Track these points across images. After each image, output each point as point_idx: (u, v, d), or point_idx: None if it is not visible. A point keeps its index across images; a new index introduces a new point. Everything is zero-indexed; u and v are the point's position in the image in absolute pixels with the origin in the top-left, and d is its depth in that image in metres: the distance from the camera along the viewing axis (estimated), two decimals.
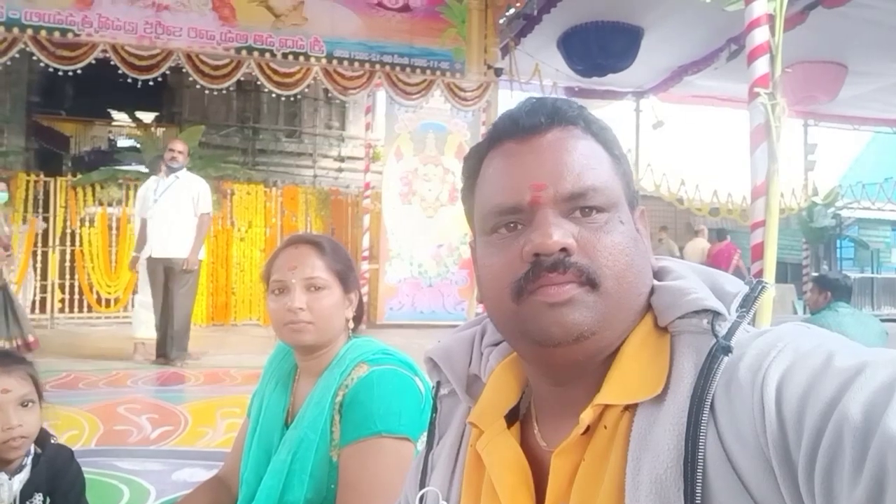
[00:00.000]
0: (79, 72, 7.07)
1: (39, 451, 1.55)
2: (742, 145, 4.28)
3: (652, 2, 7.72)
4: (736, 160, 8.46)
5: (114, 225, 8.67)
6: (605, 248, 0.66)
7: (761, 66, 3.84)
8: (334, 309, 1.44)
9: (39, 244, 8.36)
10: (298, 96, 8.87)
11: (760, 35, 3.85)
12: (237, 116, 10.93)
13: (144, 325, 5.65)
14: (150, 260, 5.55)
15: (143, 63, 7.12)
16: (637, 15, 8.20)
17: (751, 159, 3.97)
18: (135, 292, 6.00)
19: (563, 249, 0.64)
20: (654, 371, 0.64)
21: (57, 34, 6.83)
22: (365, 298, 8.25)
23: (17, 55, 6.82)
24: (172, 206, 5.55)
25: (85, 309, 8.49)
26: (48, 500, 1.54)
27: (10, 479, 1.47)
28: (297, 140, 11.03)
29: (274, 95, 8.05)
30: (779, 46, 3.84)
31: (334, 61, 7.61)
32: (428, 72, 7.85)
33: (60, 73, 7.09)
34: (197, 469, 2.77)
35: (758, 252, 3.97)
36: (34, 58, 6.93)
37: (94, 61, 6.97)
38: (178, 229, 5.54)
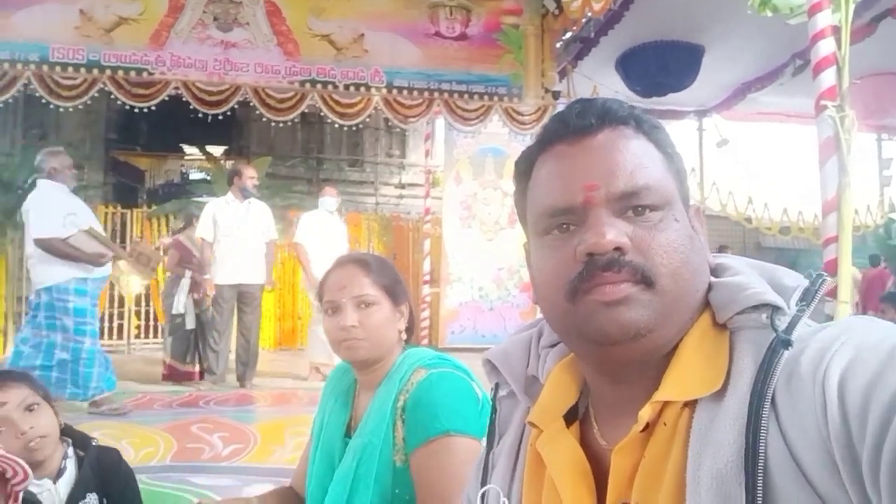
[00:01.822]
0: (153, 108, 7.44)
1: (81, 453, 1.61)
2: (811, 162, 4.16)
3: (712, 19, 7.61)
4: (805, 178, 8.20)
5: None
6: (660, 245, 0.66)
7: (827, 78, 3.74)
8: (385, 323, 1.49)
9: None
10: (360, 126, 9.08)
11: (826, 47, 3.75)
12: (302, 147, 11.26)
13: (321, 350, 5.75)
14: (219, 286, 5.70)
15: (213, 98, 7.42)
16: (697, 33, 8.09)
17: (820, 173, 3.86)
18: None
19: (618, 249, 0.65)
20: (713, 367, 0.64)
21: (133, 73, 7.21)
22: (426, 322, 8.36)
23: (96, 94, 7.23)
24: (245, 232, 5.71)
25: (160, 334, 8.81)
26: (104, 500, 1.60)
27: (54, 483, 1.53)
28: (359, 169, 11.29)
29: (337, 126, 8.27)
30: (845, 58, 3.74)
31: (394, 91, 7.76)
32: (486, 97, 7.93)
33: (136, 111, 7.47)
34: (266, 485, 2.82)
35: (831, 268, 3.84)
36: (112, 97, 7.32)
37: (167, 98, 7.31)
38: (250, 255, 5.71)
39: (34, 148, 9.00)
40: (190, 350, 5.89)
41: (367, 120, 8.86)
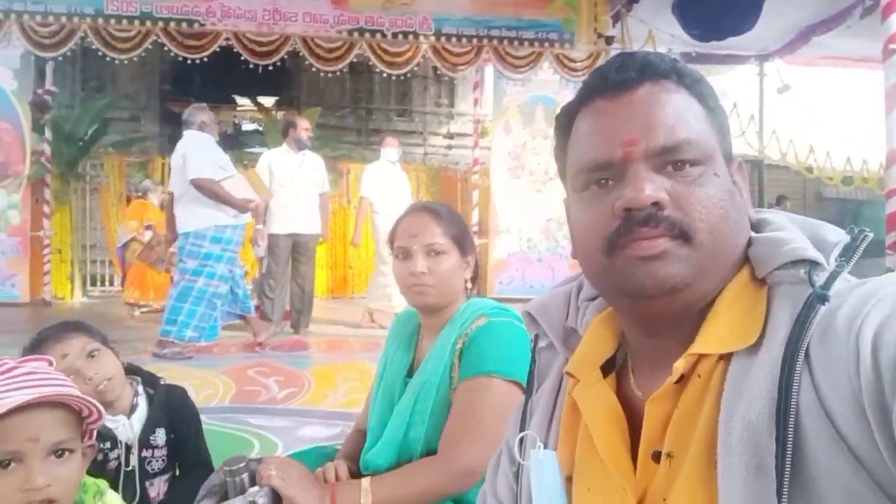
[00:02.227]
0: (205, 60, 7.53)
1: (151, 391, 1.70)
2: (877, 109, 3.98)
3: None
4: (870, 126, 7.83)
5: None
6: (699, 200, 0.66)
7: None
8: (453, 272, 1.54)
9: None
10: (408, 75, 9.02)
11: None
12: (351, 98, 11.27)
13: (381, 295, 5.99)
14: (274, 236, 5.81)
15: (263, 49, 7.46)
16: None
17: (886, 121, 3.71)
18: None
19: (656, 204, 0.65)
20: (749, 321, 0.64)
21: (184, 25, 7.28)
22: None
23: (150, 46, 7.34)
24: (300, 183, 5.80)
25: None
26: (172, 435, 1.70)
27: (128, 418, 1.63)
28: (407, 118, 11.26)
29: (385, 75, 8.23)
30: None
31: (442, 38, 7.66)
32: (536, 44, 7.76)
33: (189, 63, 7.58)
34: (319, 427, 2.97)
35: (894, 221, 3.71)
36: (165, 49, 7.43)
37: (218, 49, 7.39)
38: (304, 206, 5.82)
39: (93, 100, 9.26)
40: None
41: (416, 69, 8.78)
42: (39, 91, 7.83)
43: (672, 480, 0.64)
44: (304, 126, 6.02)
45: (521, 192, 8.37)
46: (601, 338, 0.79)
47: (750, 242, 0.69)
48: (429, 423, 1.44)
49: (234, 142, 11.40)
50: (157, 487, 1.67)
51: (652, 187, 0.66)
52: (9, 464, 0.94)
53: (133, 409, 1.65)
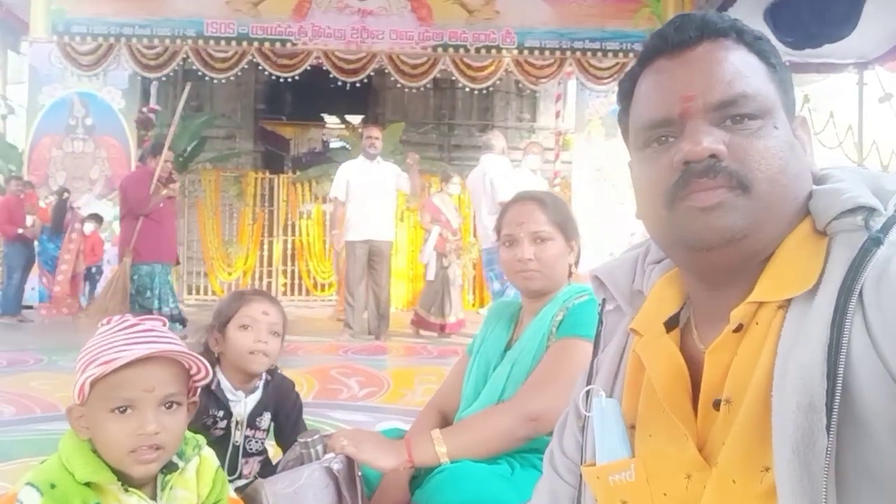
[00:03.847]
0: (296, 79, 7.85)
1: (269, 378, 1.79)
2: None
3: None
4: None
5: (327, 217, 9.52)
6: (758, 152, 0.66)
7: None
8: (558, 257, 1.60)
9: (265, 234, 9.41)
10: (491, 90, 9.11)
11: None
12: (434, 114, 11.46)
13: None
14: (350, 243, 5.97)
15: (351, 66, 7.73)
16: None
17: None
18: None
19: (714, 156, 0.66)
20: (807, 269, 0.65)
21: (278, 45, 7.64)
22: None
23: (245, 66, 7.73)
24: (372, 190, 5.93)
25: (304, 292, 9.42)
26: (274, 421, 1.79)
27: (245, 397, 1.72)
28: (489, 134, 11.35)
29: (468, 90, 8.34)
30: None
31: (525, 51, 7.72)
32: (620, 55, 7.69)
33: (281, 82, 7.94)
34: (397, 423, 2.98)
35: None
36: (259, 68, 7.81)
37: (308, 68, 7.70)
38: (378, 212, 5.95)
39: (192, 118, 9.81)
40: (436, 302, 6.33)
41: (498, 83, 8.85)
42: (144, 109, 8.39)
43: (730, 425, 0.65)
44: (368, 134, 6.17)
45: (604, 204, 8.26)
46: (665, 296, 0.80)
47: (811, 196, 0.69)
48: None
49: (322, 158, 11.79)
50: (251, 466, 1.75)
51: (710, 140, 0.67)
52: (125, 410, 1.03)
53: (253, 389, 1.74)
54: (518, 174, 6.28)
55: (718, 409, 0.67)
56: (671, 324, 0.78)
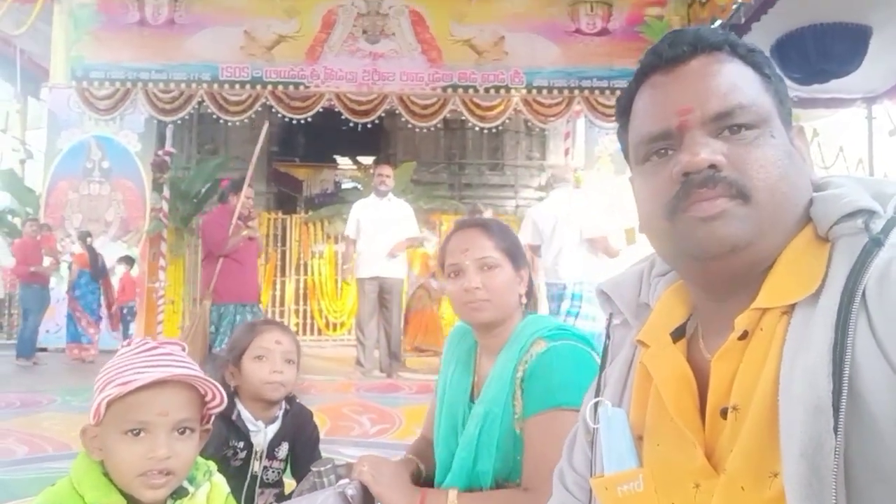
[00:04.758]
0: (309, 121, 7.97)
1: (289, 407, 1.78)
2: None
3: None
4: None
5: (339, 256, 9.56)
6: (756, 160, 0.67)
7: None
8: (508, 285, 1.49)
9: (278, 274, 9.45)
10: (500, 129, 9.20)
11: None
12: (444, 154, 11.58)
13: None
14: (360, 280, 5.98)
15: (362, 108, 7.84)
16: (862, 13, 7.40)
17: None
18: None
19: (713, 166, 0.67)
20: (811, 274, 0.65)
21: (291, 87, 7.78)
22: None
23: (259, 108, 7.88)
24: (383, 228, 5.95)
25: (316, 332, 9.41)
26: (291, 452, 1.77)
27: (265, 427, 1.71)
28: (499, 172, 11.43)
29: (477, 129, 8.44)
30: None
31: (533, 91, 7.81)
32: None
33: (294, 124, 8.06)
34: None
35: None
36: (273, 110, 7.95)
37: (321, 109, 7.82)
38: (388, 249, 5.94)
39: (206, 161, 9.96)
40: None
41: (508, 122, 8.95)
42: (160, 153, 8.52)
43: (737, 432, 0.65)
44: (379, 172, 6.21)
45: (615, 240, 8.24)
46: (671, 307, 0.80)
47: (812, 203, 0.70)
48: (496, 456, 1.40)
49: (335, 198, 11.92)
50: (266, 498, 1.73)
51: (708, 150, 0.67)
52: (139, 432, 1.03)
53: (273, 419, 1.73)
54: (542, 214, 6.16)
55: (726, 418, 0.67)
56: (678, 335, 0.78)
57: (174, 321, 8.92)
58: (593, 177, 8.51)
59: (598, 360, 1.40)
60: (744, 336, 0.67)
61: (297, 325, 9.47)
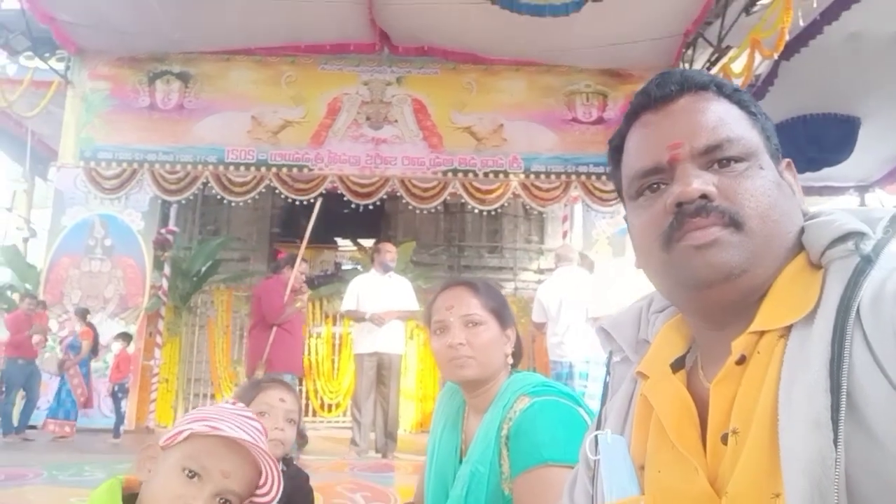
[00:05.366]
0: (311, 202, 8.11)
1: (285, 468, 1.76)
2: None
3: (868, 88, 7.22)
4: None
5: (337, 337, 9.49)
6: (746, 190, 0.70)
7: None
8: (493, 343, 1.50)
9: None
10: (499, 212, 9.35)
11: None
12: (444, 236, 11.71)
13: None
14: (359, 356, 5.93)
15: (365, 190, 8.00)
16: (851, 104, 7.68)
17: None
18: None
19: (705, 196, 0.69)
20: (806, 296, 0.66)
21: (295, 170, 7.97)
22: None
23: (263, 190, 8.03)
24: (384, 304, 5.94)
25: (311, 413, 9.22)
26: None
27: None
28: (498, 255, 11.52)
29: (477, 212, 8.57)
30: None
31: (532, 175, 7.99)
32: None
33: (296, 205, 8.19)
34: None
35: None
36: (276, 191, 8.10)
37: (324, 192, 7.97)
38: (389, 326, 5.92)
39: (208, 241, 10.05)
40: None
41: (506, 206, 9.10)
42: (163, 231, 8.62)
43: (738, 455, 0.65)
44: (387, 250, 6.31)
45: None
46: (670, 340, 0.82)
47: (804, 232, 0.72)
48: None
49: (335, 278, 11.93)
50: None
51: (700, 181, 0.70)
52: (193, 476, 1.04)
53: None
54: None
55: (727, 444, 0.67)
56: (677, 366, 0.79)
57: (167, 399, 8.76)
58: (592, 259, 8.55)
59: (585, 416, 1.41)
60: (742, 361, 0.68)
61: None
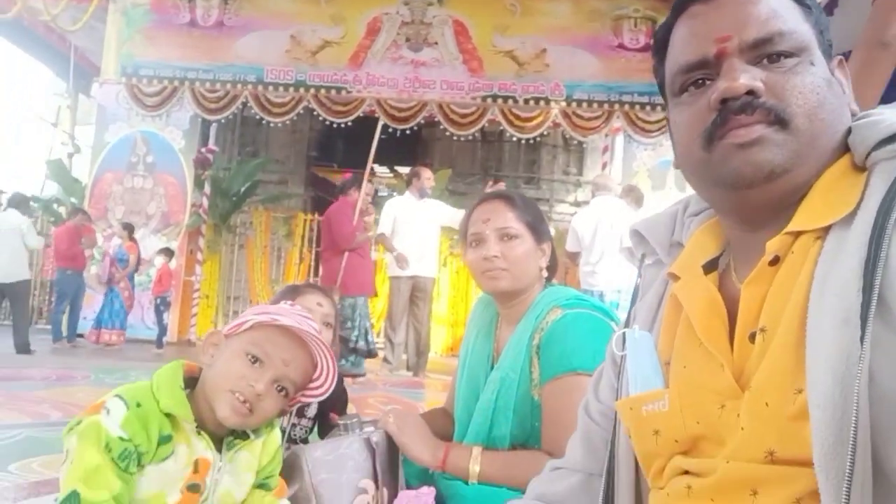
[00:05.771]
0: (349, 125, 8.08)
1: None
2: None
3: None
4: None
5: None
6: (795, 87, 0.67)
7: None
8: (527, 257, 1.50)
9: (311, 274, 9.56)
10: (538, 142, 9.21)
11: None
12: (481, 165, 11.61)
13: None
14: (395, 278, 6.03)
15: (402, 114, 7.92)
16: None
17: None
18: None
19: (751, 92, 0.67)
20: (846, 198, 0.64)
21: (333, 92, 7.91)
22: None
23: (301, 112, 8.00)
24: (421, 228, 6.00)
25: None
26: (319, 411, 1.81)
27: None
28: (535, 186, 11.40)
29: (514, 142, 8.46)
30: None
31: (573, 104, 7.81)
32: None
33: (334, 128, 8.16)
34: None
35: None
36: (314, 113, 8.07)
37: (362, 114, 7.93)
38: (425, 249, 6.00)
39: (247, 161, 10.14)
40: None
41: (545, 136, 8.96)
42: (203, 150, 8.70)
43: (764, 352, 0.65)
44: (426, 176, 6.30)
45: None
46: (704, 242, 0.81)
47: (850, 132, 0.69)
48: (512, 420, 1.42)
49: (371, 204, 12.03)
50: None
51: (747, 76, 0.67)
52: (256, 361, 1.10)
53: None
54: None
55: (754, 342, 0.67)
56: (710, 267, 0.78)
57: (207, 315, 9.06)
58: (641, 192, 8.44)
59: (615, 328, 1.42)
60: (775, 262, 0.67)
61: None
